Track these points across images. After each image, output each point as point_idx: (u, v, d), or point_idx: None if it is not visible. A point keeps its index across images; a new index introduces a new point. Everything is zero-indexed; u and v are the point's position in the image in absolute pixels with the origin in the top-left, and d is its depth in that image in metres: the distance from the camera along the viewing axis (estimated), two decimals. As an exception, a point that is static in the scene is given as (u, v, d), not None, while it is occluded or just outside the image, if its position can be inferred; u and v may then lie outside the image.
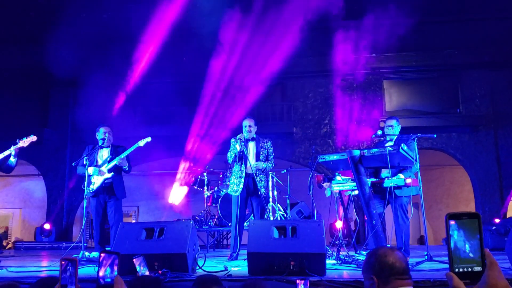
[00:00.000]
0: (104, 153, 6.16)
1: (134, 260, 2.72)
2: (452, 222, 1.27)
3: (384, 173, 5.27)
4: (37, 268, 5.11)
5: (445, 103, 11.95)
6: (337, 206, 5.53)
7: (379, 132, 5.59)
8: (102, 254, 2.05)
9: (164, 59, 11.25)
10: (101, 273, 2.03)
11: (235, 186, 5.82)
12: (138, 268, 2.71)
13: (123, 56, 10.98)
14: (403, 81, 12.23)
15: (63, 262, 2.06)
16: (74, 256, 5.42)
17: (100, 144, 6.13)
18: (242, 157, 5.84)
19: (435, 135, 5.79)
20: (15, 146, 5.79)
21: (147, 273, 2.71)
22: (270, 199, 8.06)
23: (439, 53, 11.76)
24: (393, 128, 5.51)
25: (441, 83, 12.08)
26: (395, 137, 5.51)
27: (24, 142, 5.81)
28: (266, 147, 5.99)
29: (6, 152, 5.81)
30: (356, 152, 4.89)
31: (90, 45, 10.98)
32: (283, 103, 12.37)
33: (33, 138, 5.89)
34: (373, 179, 5.20)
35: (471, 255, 1.25)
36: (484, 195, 11.36)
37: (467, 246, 1.25)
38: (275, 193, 8.68)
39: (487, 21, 11.57)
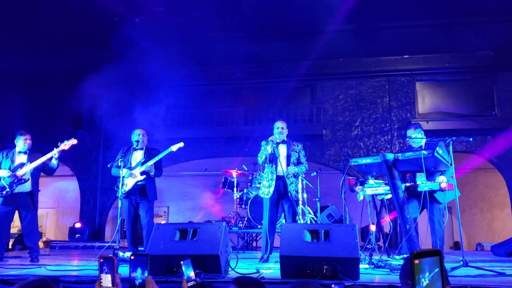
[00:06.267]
0: (138, 155, 6.26)
1: (181, 262, 2.77)
2: (416, 262, 1.30)
3: (420, 177, 5.17)
4: (74, 267, 5.23)
5: (479, 105, 11.67)
6: (369, 210, 5.47)
7: (413, 135, 5.53)
8: (133, 257, 2.11)
9: (195, 61, 11.38)
10: (133, 274, 2.09)
11: (266, 188, 5.80)
12: (184, 270, 2.75)
13: (155, 58, 11.13)
14: (436, 83, 12.01)
15: (101, 260, 2.12)
16: (109, 255, 5.54)
17: (134, 146, 6.23)
18: (273, 159, 5.83)
19: (471, 139, 5.67)
20: (57, 149, 5.98)
21: (192, 274, 2.74)
22: (300, 202, 8.03)
23: (473, 54, 11.50)
24: (417, 139, 5.43)
25: (476, 85, 11.79)
26: (424, 141, 5.43)
27: (65, 145, 6.01)
28: (297, 150, 5.96)
29: (49, 155, 6.01)
30: (390, 156, 4.82)
31: (122, 47, 11.18)
32: (312, 105, 12.31)
33: (73, 141, 6.08)
34: (407, 183, 5.13)
35: None
36: (521, 200, 11.05)
37: (429, 282, 1.29)
38: (305, 195, 8.64)
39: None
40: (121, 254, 5.59)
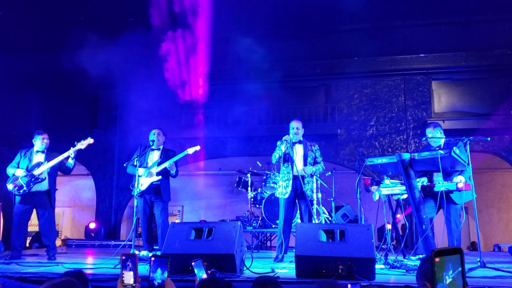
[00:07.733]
0: (154, 155, 6.28)
1: (193, 263, 2.78)
2: (437, 260, 1.30)
3: (437, 177, 5.11)
4: (90, 265, 5.28)
5: (496, 104, 11.47)
6: (385, 210, 5.43)
7: (430, 134, 5.47)
8: (153, 258, 2.12)
9: (211, 61, 11.39)
10: (152, 275, 2.09)
11: (283, 188, 5.78)
12: (196, 272, 2.75)
13: (167, 58, 11.20)
14: (452, 81, 11.88)
15: (123, 257, 2.13)
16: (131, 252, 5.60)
17: (150, 145, 6.27)
18: (288, 159, 5.81)
19: (488, 139, 5.58)
20: (74, 148, 6.05)
21: (204, 276, 2.75)
22: (315, 202, 7.99)
23: (490, 52, 11.34)
24: (436, 139, 5.38)
25: (493, 84, 11.63)
26: (443, 141, 5.36)
27: (82, 144, 6.08)
28: (314, 150, 5.94)
29: (65, 154, 6.08)
30: (406, 156, 4.77)
31: (137, 47, 11.25)
32: (327, 105, 12.26)
33: (90, 140, 6.15)
34: (424, 182, 5.07)
35: None
36: (539, 200, 10.88)
37: (452, 281, 1.30)
38: (320, 195, 8.60)
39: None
40: (137, 252, 5.61)
